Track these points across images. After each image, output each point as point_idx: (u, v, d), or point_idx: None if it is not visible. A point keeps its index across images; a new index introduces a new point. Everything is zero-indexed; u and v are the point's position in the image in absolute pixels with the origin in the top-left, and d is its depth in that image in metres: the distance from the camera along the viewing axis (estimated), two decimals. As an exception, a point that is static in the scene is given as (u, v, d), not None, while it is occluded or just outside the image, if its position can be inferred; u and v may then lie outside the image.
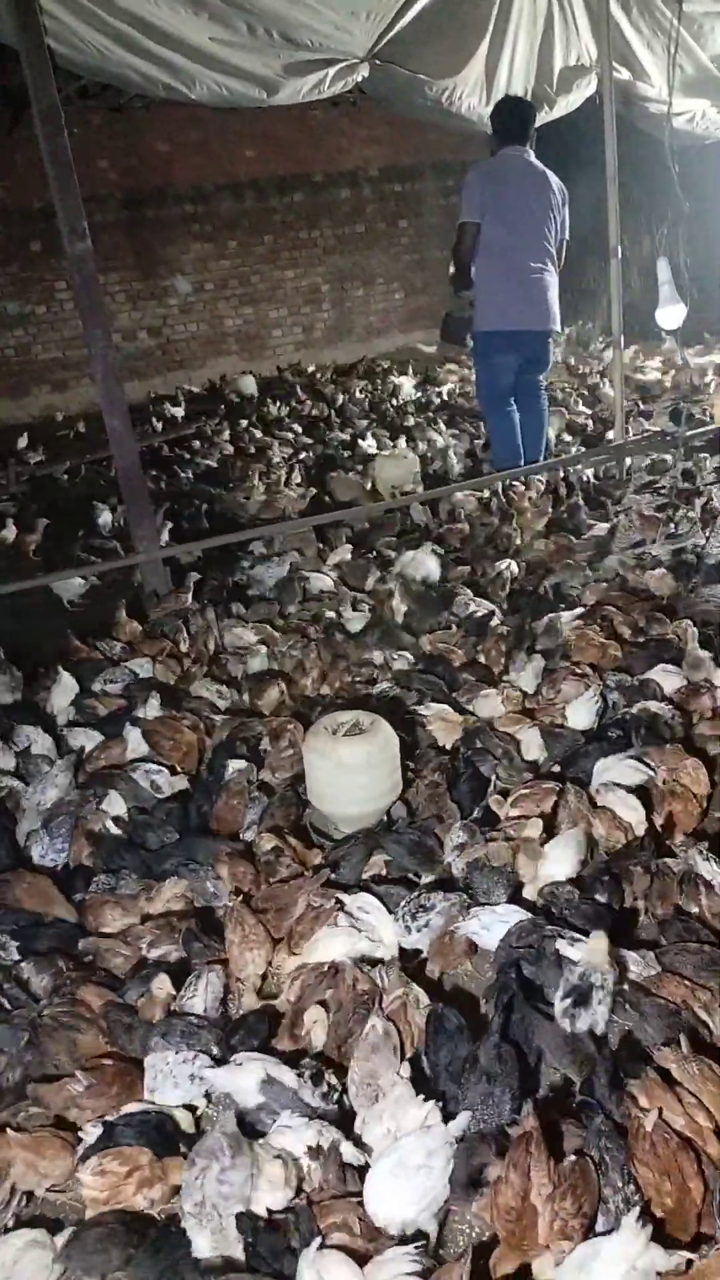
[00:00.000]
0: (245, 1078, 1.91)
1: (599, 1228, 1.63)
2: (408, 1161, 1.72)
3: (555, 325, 5.45)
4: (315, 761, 2.92)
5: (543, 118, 6.08)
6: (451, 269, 5.55)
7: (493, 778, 2.92)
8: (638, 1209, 1.54)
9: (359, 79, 5.24)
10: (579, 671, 3.40)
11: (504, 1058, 1.91)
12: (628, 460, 5.64)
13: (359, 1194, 1.74)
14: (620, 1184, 1.66)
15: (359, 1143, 1.85)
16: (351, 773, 2.86)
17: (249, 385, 9.75)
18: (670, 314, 4.80)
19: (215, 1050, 2.03)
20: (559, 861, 2.47)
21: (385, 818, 2.93)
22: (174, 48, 4.59)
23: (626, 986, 2.12)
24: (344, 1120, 1.91)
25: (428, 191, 11.64)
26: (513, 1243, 1.63)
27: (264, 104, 5.09)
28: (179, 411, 8.98)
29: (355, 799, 2.89)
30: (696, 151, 7.30)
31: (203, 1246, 1.68)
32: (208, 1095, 1.98)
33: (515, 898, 2.47)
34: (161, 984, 2.19)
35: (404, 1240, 1.67)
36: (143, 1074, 2.01)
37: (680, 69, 6.39)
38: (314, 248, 11.22)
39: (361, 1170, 1.78)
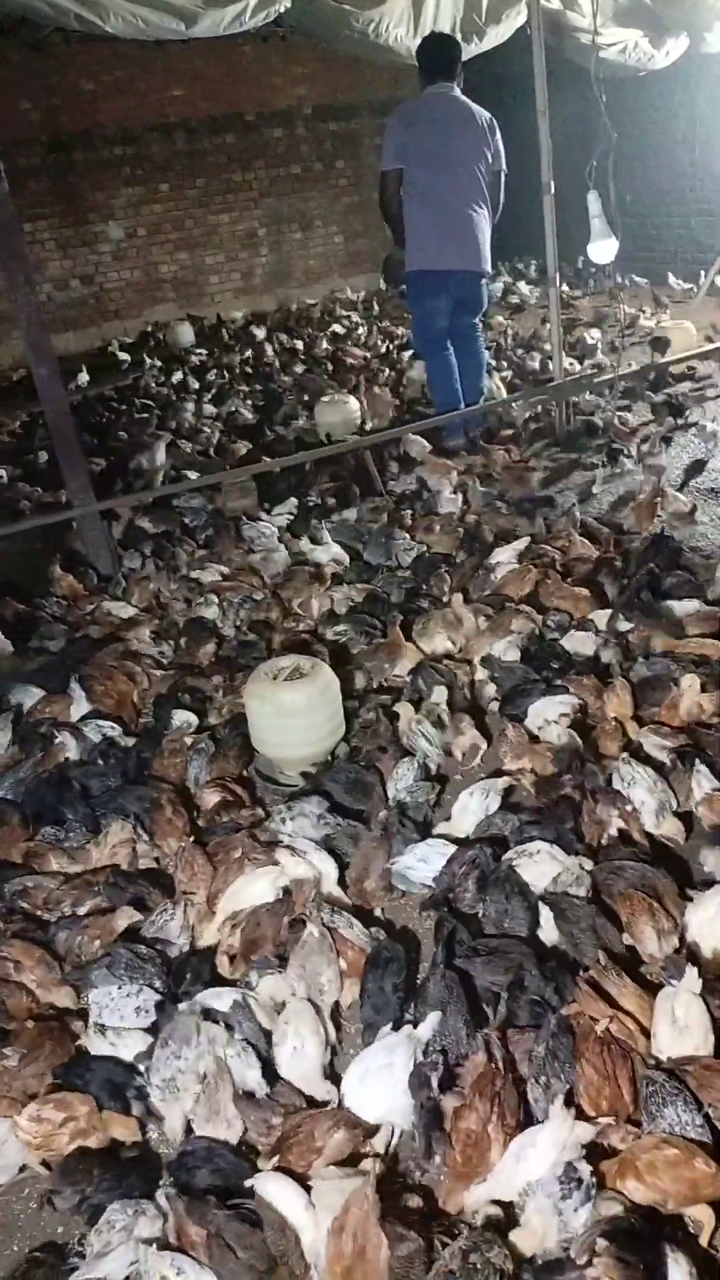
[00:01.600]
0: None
1: (538, 1117, 1.75)
2: (371, 1064, 1.82)
3: (485, 266, 5.37)
4: (256, 707, 2.95)
5: (473, 49, 5.96)
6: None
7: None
8: (562, 1095, 1.68)
9: (281, 9, 5.06)
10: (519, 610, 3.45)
11: (451, 985, 1.98)
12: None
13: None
14: (563, 1078, 1.77)
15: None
16: (293, 716, 2.89)
17: (186, 334, 9.54)
18: (602, 248, 4.77)
19: (159, 984, 2.06)
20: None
21: (330, 759, 2.98)
22: (84, -25, 4.41)
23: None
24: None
25: (364, 131, 11.35)
26: (467, 1170, 1.70)
27: (183, 36, 4.91)
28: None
29: (297, 742, 2.93)
30: (631, 83, 7.23)
31: (174, 1124, 1.82)
32: (153, 1028, 2.01)
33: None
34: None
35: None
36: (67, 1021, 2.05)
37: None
38: (249, 190, 10.93)
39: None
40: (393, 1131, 1.77)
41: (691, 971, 1.83)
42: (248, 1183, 1.66)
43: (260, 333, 9.33)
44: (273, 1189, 1.63)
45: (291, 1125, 1.76)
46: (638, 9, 6.44)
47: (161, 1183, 1.75)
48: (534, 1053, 1.80)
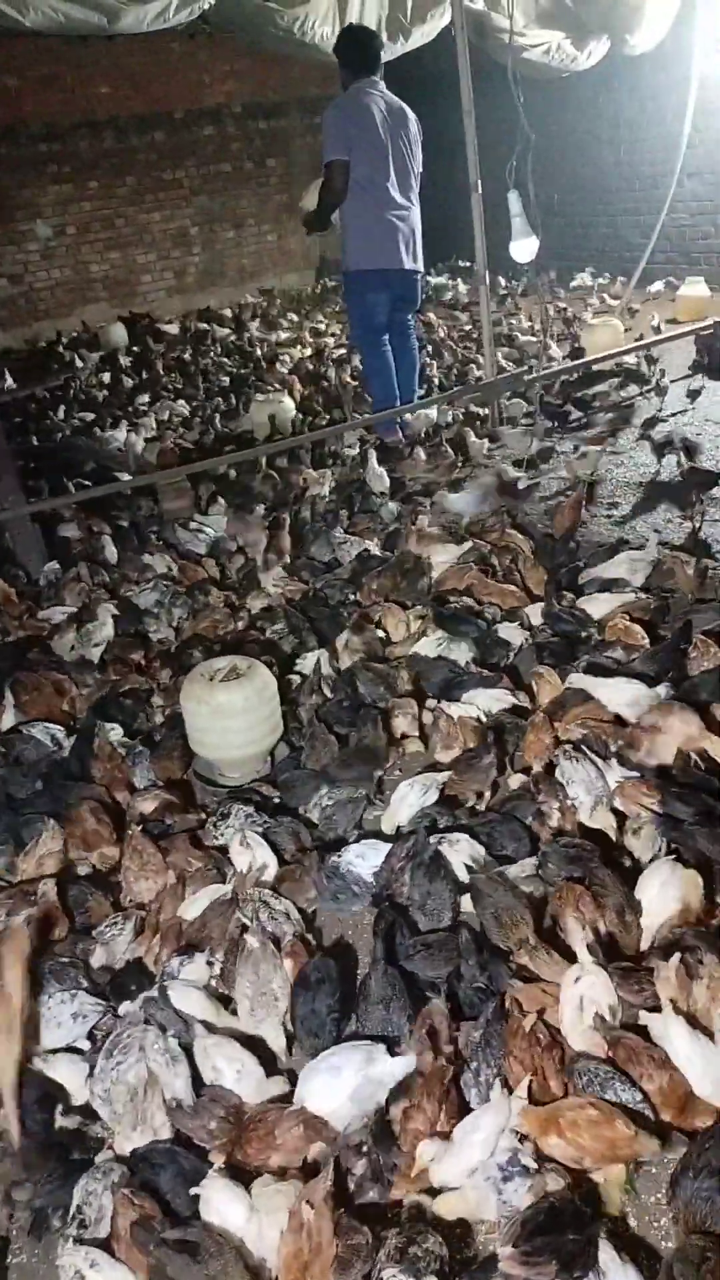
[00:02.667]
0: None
1: (472, 1102, 1.80)
2: (321, 1069, 1.82)
3: (421, 265, 5.39)
4: (193, 709, 2.93)
5: (399, 49, 5.99)
6: (306, 208, 5.41)
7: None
8: (498, 1082, 1.74)
9: (205, 6, 5.03)
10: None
11: (393, 981, 1.99)
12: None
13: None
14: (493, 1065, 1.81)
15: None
16: (230, 717, 2.87)
17: (119, 334, 9.43)
18: (523, 247, 4.83)
19: (85, 983, 2.05)
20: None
21: (269, 759, 2.98)
22: (2, -31, 4.33)
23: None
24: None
25: (295, 129, 11.32)
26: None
27: (106, 32, 4.86)
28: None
29: (236, 743, 2.91)
30: (558, 84, 7.33)
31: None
32: (91, 1035, 1.99)
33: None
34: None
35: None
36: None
37: (535, 1, 6.42)
38: (180, 188, 10.84)
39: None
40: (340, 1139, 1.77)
41: (587, 956, 1.89)
42: (194, 1191, 1.66)
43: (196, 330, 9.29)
44: (216, 1202, 1.64)
45: (253, 1117, 1.78)
46: (560, 11, 6.55)
47: (116, 1179, 1.73)
48: (470, 1039, 1.83)
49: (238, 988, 2.05)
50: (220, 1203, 1.63)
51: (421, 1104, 1.75)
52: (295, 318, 9.82)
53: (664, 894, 2.06)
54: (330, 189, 5.11)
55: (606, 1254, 1.46)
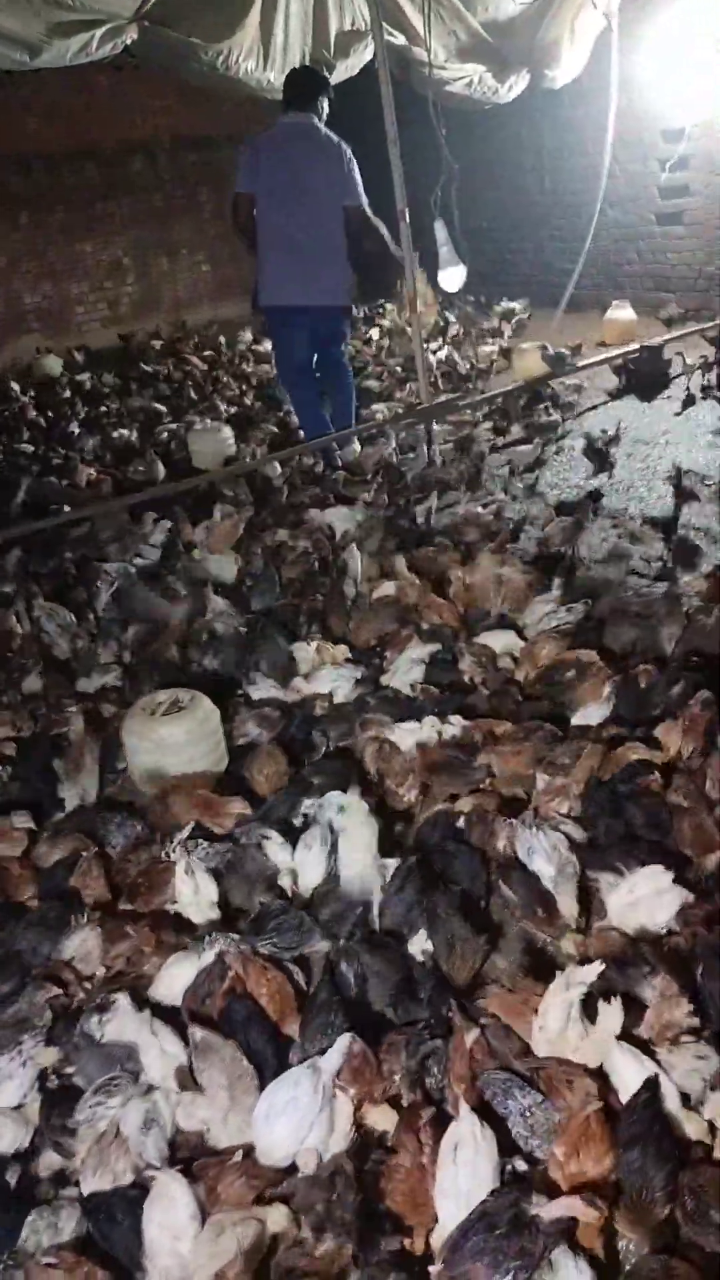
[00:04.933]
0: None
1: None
2: (276, 1101, 1.77)
3: (340, 300, 5.31)
4: (134, 745, 2.88)
5: (322, 83, 6.06)
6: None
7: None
8: (460, 1100, 1.73)
9: (128, 41, 5.05)
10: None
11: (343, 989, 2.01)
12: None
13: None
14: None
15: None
16: (172, 752, 2.83)
17: (54, 365, 9.35)
18: (451, 276, 4.92)
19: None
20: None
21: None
22: None
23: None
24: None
25: (225, 161, 11.30)
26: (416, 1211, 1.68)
27: (28, 67, 4.81)
28: None
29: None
30: (482, 116, 7.49)
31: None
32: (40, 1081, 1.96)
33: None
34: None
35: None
36: None
37: (454, 35, 6.57)
38: (112, 220, 10.83)
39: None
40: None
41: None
42: (147, 1173, 1.67)
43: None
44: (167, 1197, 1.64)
45: (201, 1164, 1.73)
46: (481, 46, 6.69)
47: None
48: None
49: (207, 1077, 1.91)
50: (171, 1200, 1.63)
51: (401, 1139, 1.73)
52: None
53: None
54: (234, 218, 5.24)
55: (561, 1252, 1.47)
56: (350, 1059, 1.81)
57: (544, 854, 2.24)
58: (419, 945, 2.17)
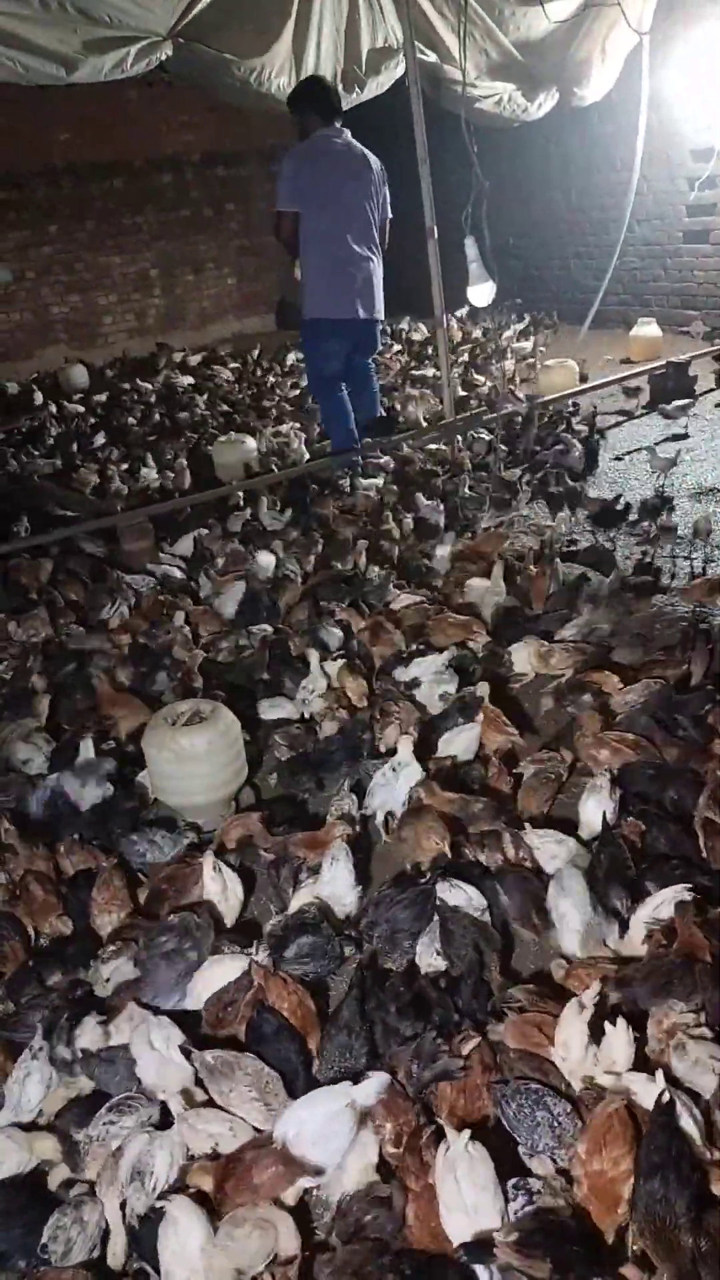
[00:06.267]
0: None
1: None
2: (307, 1129, 1.74)
3: (379, 314, 5.39)
4: (154, 755, 2.88)
5: (354, 99, 6.11)
6: (297, 277, 5.41)
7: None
8: (454, 1131, 1.71)
9: (163, 58, 5.10)
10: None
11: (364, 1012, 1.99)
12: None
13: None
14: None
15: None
16: (192, 762, 2.82)
17: (80, 376, 9.41)
18: (480, 291, 4.92)
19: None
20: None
21: (234, 804, 2.93)
22: (-41, 21, 4.35)
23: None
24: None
25: (253, 177, 11.49)
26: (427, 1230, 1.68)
27: (64, 82, 4.88)
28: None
29: (199, 789, 2.86)
30: (511, 133, 7.51)
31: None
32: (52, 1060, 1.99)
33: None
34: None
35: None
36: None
37: (485, 54, 6.60)
38: (139, 234, 10.93)
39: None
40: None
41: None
42: (158, 1204, 1.65)
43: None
44: (179, 1224, 1.61)
45: (230, 1156, 1.73)
46: (511, 64, 6.72)
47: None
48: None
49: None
50: (182, 1226, 1.61)
51: (405, 1162, 1.72)
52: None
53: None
54: (278, 235, 5.24)
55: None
56: (386, 1101, 1.79)
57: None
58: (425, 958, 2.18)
